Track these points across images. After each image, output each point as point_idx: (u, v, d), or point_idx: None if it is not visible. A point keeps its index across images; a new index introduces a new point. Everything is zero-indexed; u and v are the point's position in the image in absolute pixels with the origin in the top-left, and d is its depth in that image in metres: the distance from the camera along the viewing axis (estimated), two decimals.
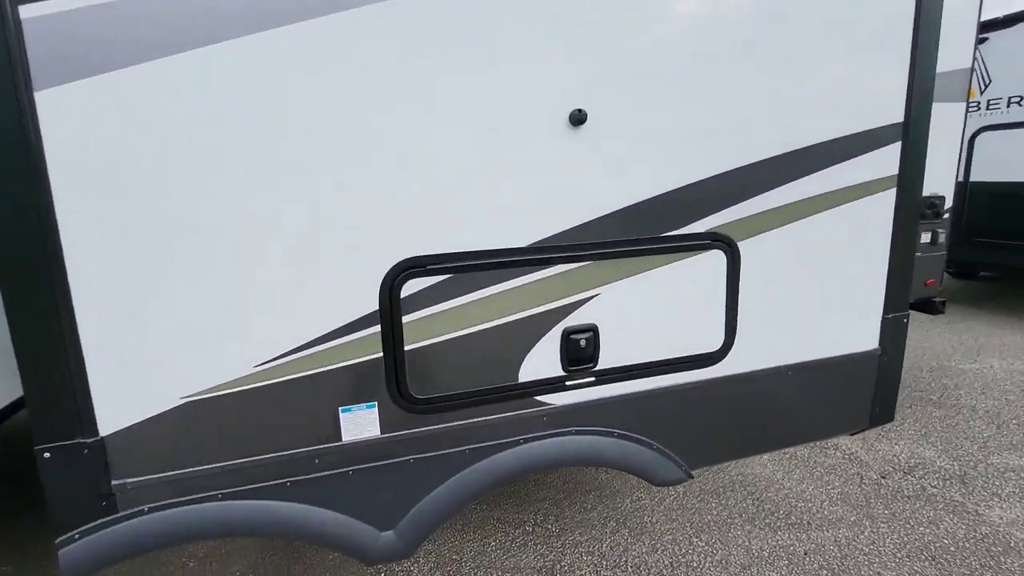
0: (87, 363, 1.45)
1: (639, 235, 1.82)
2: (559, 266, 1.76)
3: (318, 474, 1.68)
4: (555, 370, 1.83)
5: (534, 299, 1.76)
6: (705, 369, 2.02)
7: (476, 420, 1.80)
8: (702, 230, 1.89)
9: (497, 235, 1.69)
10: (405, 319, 1.65)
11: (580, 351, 1.82)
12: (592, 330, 1.83)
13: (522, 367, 1.80)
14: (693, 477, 2.08)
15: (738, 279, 1.98)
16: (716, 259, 1.93)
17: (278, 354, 1.57)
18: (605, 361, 1.88)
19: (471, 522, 2.84)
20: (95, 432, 1.49)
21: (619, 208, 1.78)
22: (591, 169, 1.73)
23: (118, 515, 1.55)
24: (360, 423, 1.69)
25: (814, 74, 1.94)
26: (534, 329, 1.78)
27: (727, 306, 1.98)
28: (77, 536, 1.52)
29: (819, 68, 1.94)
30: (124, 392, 1.49)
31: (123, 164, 1.38)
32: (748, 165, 1.89)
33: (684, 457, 2.06)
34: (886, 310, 2.21)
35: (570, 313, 1.81)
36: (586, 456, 1.92)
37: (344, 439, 1.69)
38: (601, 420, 1.93)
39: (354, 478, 1.71)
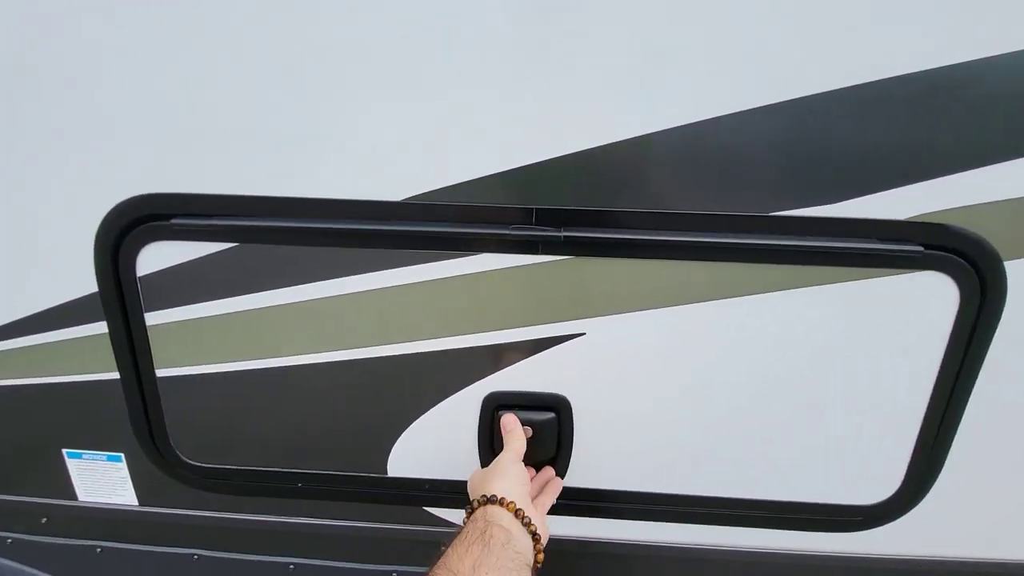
0: None
1: (699, 209, 0.71)
2: (483, 256, 0.75)
3: (51, 539, 1.01)
4: (464, 468, 0.87)
5: (423, 321, 0.79)
6: (845, 535, 0.88)
7: (309, 522, 0.95)
8: (900, 217, 0.70)
9: (343, 174, 0.74)
10: (150, 318, 0.82)
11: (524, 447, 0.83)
12: (553, 408, 0.82)
13: (394, 450, 0.87)
14: None
15: (984, 348, 0.75)
16: (928, 291, 0.73)
17: None
18: (582, 473, 0.86)
19: None
20: None
21: (639, 135, 0.68)
22: (569, 35, 0.65)
23: None
24: (103, 482, 0.95)
25: None
26: (420, 382, 0.83)
27: (933, 407, 0.79)
28: None
29: None
30: None
31: None
32: None
33: None
34: None
35: (505, 365, 0.80)
36: None
37: (81, 498, 0.97)
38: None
39: (105, 558, 1.01)
